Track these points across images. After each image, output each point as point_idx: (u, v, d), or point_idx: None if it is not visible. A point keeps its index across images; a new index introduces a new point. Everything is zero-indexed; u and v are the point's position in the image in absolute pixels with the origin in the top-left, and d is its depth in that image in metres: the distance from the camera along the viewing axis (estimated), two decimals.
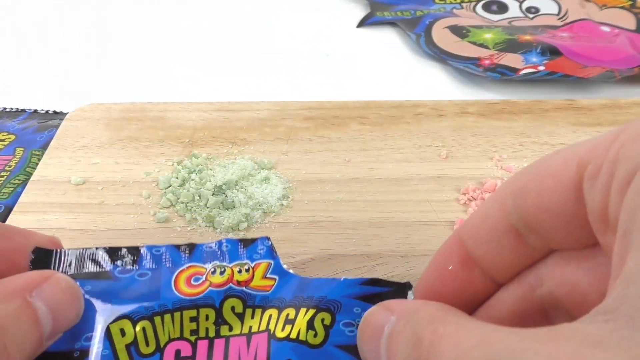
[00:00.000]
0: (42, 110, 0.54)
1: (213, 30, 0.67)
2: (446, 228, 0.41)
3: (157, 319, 0.29)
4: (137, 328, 0.29)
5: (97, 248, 0.32)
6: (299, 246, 0.39)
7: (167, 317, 0.29)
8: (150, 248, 0.32)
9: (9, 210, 0.42)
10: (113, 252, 0.32)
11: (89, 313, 0.30)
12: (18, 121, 0.52)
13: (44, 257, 0.31)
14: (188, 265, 0.31)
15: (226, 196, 0.42)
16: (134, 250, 0.32)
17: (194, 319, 0.29)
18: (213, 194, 0.42)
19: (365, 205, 0.43)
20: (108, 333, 0.29)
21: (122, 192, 0.43)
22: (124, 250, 0.32)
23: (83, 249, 0.32)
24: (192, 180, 0.44)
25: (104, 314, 0.29)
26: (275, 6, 0.71)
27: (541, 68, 0.56)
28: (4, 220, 0.41)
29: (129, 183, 0.44)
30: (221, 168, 0.44)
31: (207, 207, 0.41)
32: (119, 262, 0.32)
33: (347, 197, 0.43)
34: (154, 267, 0.31)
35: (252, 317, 0.29)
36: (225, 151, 0.47)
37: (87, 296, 0.30)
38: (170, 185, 0.43)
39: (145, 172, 0.45)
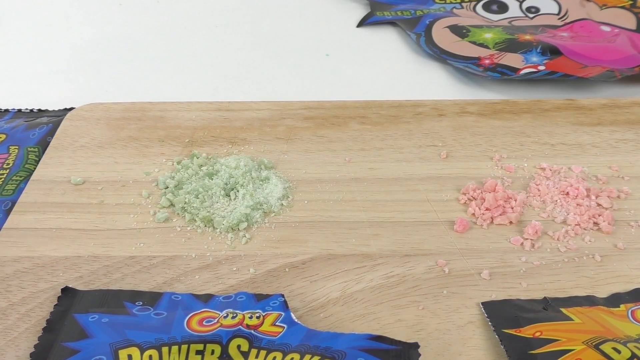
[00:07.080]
0: (26, 109, 0.54)
1: (213, 30, 0.67)
2: (446, 228, 0.41)
3: (165, 349, 0.30)
4: (144, 356, 0.30)
5: (120, 290, 0.35)
6: (299, 246, 0.39)
7: (175, 348, 0.30)
8: (170, 294, 0.35)
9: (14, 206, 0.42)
10: (135, 295, 0.35)
11: (103, 339, 0.31)
12: (4, 121, 0.52)
13: (70, 295, 0.35)
14: (203, 310, 0.33)
15: (231, 197, 0.43)
16: (155, 295, 0.35)
17: (199, 352, 0.30)
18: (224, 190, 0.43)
19: (365, 205, 0.43)
20: (116, 358, 0.30)
21: (122, 192, 0.43)
22: (146, 294, 0.35)
23: (108, 290, 0.35)
24: (199, 174, 0.44)
25: (116, 341, 0.31)
26: (275, 6, 0.71)
27: (541, 68, 0.55)
28: (8, 216, 0.41)
29: (129, 183, 0.44)
30: (227, 167, 0.44)
31: (206, 207, 0.41)
32: (138, 303, 0.34)
33: (347, 197, 0.43)
34: (170, 309, 0.34)
35: (257, 357, 0.30)
36: (225, 151, 0.47)
37: (104, 326, 0.32)
38: (168, 187, 0.43)
39: (145, 172, 0.45)
